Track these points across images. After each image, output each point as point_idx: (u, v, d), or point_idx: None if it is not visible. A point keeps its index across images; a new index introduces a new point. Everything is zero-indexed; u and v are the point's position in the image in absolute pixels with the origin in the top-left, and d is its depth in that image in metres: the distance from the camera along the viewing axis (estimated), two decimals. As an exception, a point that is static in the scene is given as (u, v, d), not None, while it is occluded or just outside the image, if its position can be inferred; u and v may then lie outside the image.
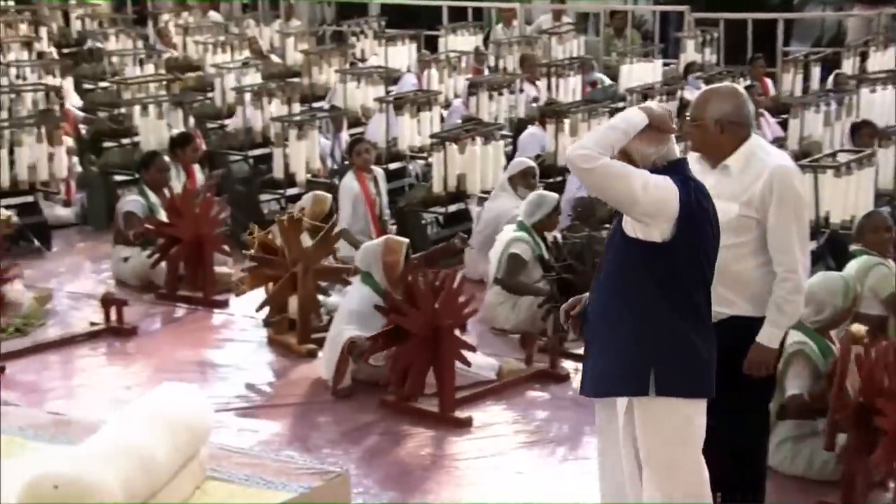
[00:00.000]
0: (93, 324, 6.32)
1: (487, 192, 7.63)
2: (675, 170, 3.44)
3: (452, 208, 7.77)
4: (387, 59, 11.40)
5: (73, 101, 10.10)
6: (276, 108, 8.89)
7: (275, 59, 12.17)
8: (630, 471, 3.54)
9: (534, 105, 9.83)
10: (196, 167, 7.98)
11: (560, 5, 13.69)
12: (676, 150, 3.51)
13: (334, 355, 5.43)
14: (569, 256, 5.96)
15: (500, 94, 9.34)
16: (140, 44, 11.86)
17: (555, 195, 6.63)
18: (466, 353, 5.24)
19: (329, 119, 8.95)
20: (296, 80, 10.51)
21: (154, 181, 7.27)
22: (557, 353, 5.70)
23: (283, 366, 5.90)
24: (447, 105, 10.08)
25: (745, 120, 3.79)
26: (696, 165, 3.76)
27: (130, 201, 7.29)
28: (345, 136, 9.18)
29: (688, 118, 3.90)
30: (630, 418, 3.49)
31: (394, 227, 7.59)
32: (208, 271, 6.78)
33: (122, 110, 9.25)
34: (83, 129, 9.47)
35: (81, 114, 9.92)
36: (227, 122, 9.71)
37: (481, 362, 5.56)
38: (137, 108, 8.71)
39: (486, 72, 11.10)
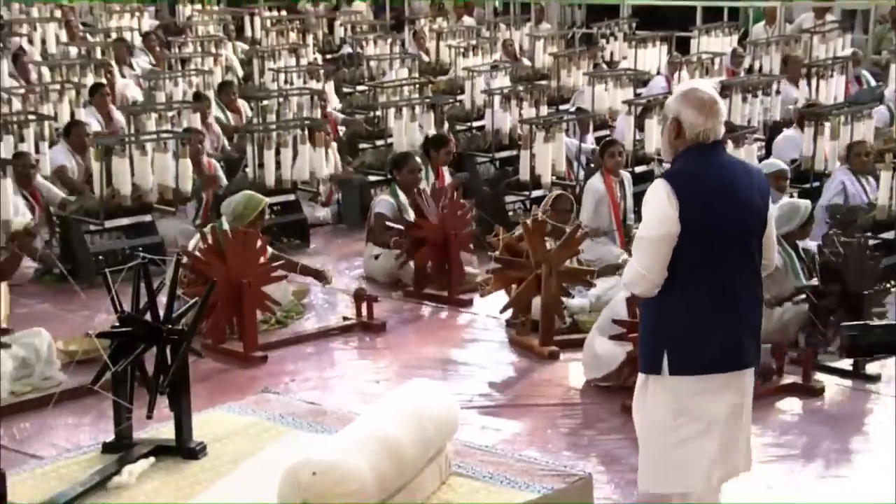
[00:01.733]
0: (345, 318, 6.60)
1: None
2: (708, 151, 3.64)
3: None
4: (636, 62, 11.27)
5: (334, 105, 10.58)
6: (524, 110, 8.98)
7: (525, 62, 12.30)
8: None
9: (790, 108, 9.44)
10: (445, 169, 8.17)
11: (825, 2, 13.07)
12: (722, 130, 3.68)
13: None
14: (826, 272, 5.69)
15: (755, 95, 9.03)
16: (396, 48, 12.28)
17: (807, 203, 6.31)
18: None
19: (576, 121, 8.95)
20: (544, 82, 10.57)
21: (406, 182, 7.49)
22: (811, 364, 5.44)
23: (525, 366, 5.95)
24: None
25: None
26: None
27: (381, 202, 7.55)
28: (591, 138, 9.15)
29: None
30: (643, 392, 3.73)
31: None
32: (454, 271, 6.93)
33: (378, 113, 9.62)
34: (341, 130, 9.92)
35: (341, 116, 10.38)
36: (475, 123, 9.92)
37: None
38: (392, 111, 9.02)
39: (742, 73, 10.77)
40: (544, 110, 9.13)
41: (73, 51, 11.23)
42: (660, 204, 3.58)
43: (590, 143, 9.05)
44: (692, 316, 3.61)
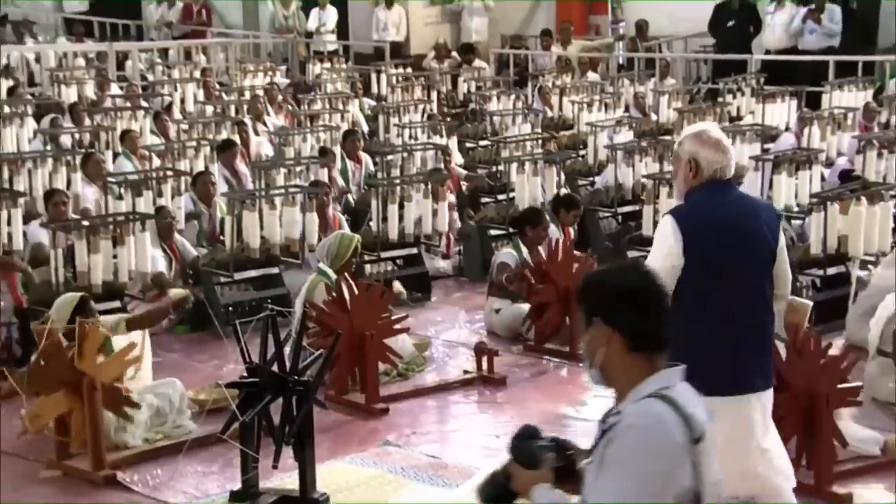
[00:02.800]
0: (466, 372, 6.62)
1: (871, 256, 7.17)
2: (719, 188, 3.89)
3: (831, 271, 7.38)
4: (764, 117, 11.09)
5: (457, 159, 10.72)
6: (647, 165, 8.92)
7: (652, 116, 12.25)
8: None
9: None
10: (571, 229, 8.17)
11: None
12: (733, 168, 3.95)
13: None
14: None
15: (892, 151, 8.79)
16: (519, 104, 12.39)
17: None
18: (844, 427, 4.94)
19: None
20: (668, 137, 10.49)
21: (533, 238, 7.50)
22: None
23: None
24: (829, 164, 9.63)
25: None
26: None
27: (505, 254, 7.59)
28: (717, 194, 9.02)
29: None
30: None
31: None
32: (574, 327, 6.90)
33: (500, 167, 9.68)
34: (463, 185, 10.03)
35: (463, 171, 10.50)
36: (596, 178, 9.90)
37: (862, 436, 5.21)
38: (514, 166, 9.09)
39: (876, 129, 10.50)
40: (668, 166, 9.05)
41: (209, 109, 11.68)
42: (664, 238, 3.86)
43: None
44: (694, 342, 3.65)
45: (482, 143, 11.51)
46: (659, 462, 2.37)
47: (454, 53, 16.24)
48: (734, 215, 3.91)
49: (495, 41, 17.19)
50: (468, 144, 11.68)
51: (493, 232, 8.78)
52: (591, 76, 14.54)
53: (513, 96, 12.79)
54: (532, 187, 8.82)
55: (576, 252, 7.28)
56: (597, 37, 17.06)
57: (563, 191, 8.88)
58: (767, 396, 3.91)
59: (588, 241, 8.64)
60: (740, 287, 3.85)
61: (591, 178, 10.00)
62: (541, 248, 7.40)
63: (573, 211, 8.11)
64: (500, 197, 9.35)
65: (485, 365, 6.52)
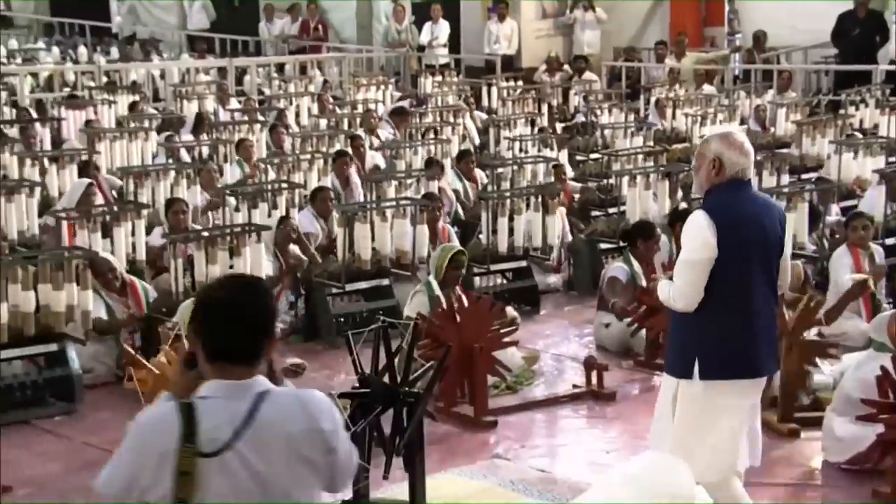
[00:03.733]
0: (575, 386, 6.58)
1: None
2: (740, 187, 4.27)
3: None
4: (889, 129, 10.76)
5: (568, 172, 10.68)
6: (764, 178, 8.74)
7: (770, 129, 12.01)
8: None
9: None
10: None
11: None
12: (751, 172, 4.31)
13: None
14: None
15: None
16: (630, 117, 12.28)
17: None
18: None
19: (818, 191, 8.62)
20: (785, 150, 10.26)
21: (644, 252, 7.43)
22: None
23: (763, 443, 5.72)
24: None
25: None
26: None
27: (615, 268, 7.52)
28: (835, 209, 8.79)
29: None
30: (672, 394, 4.28)
31: (888, 306, 7.11)
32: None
33: (611, 181, 9.61)
34: (574, 198, 9.97)
35: (575, 184, 10.45)
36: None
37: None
38: (625, 179, 8.99)
39: None
40: (785, 179, 8.85)
41: (323, 123, 11.90)
42: (699, 232, 4.19)
43: (834, 213, 8.69)
44: (721, 328, 4.18)
45: (593, 156, 11.45)
46: (137, 448, 2.51)
47: (566, 66, 16.20)
48: (754, 213, 4.28)
49: (607, 53, 17.07)
50: (578, 157, 11.63)
51: (603, 246, 8.71)
52: (707, 88, 14.32)
53: (624, 109, 12.68)
54: (644, 201, 8.73)
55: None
56: (712, 48, 16.79)
57: (682, 205, 8.74)
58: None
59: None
60: (759, 278, 4.23)
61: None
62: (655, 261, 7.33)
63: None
64: (611, 210, 9.28)
65: (594, 379, 6.47)
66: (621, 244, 7.99)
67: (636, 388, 6.67)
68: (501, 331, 6.32)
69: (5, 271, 6.14)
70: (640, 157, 9.79)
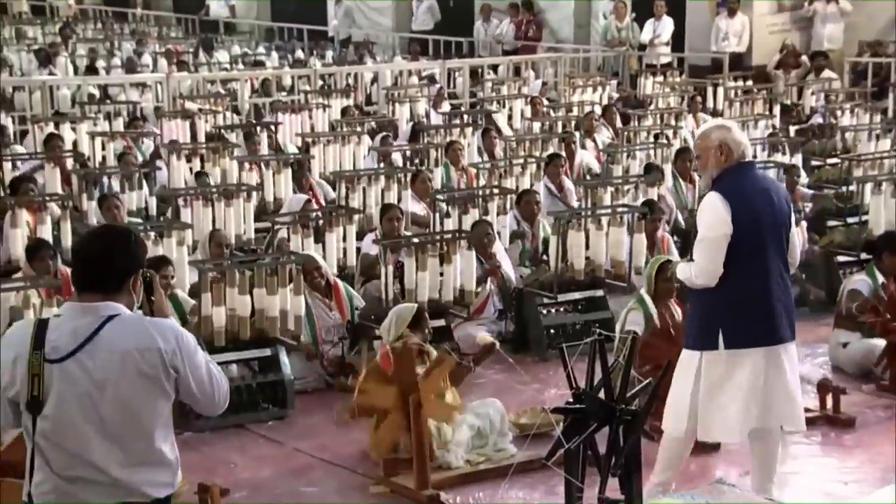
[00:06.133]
0: (808, 410, 6.31)
1: None
2: (747, 168, 4.90)
3: None
4: None
5: (802, 178, 10.28)
6: None
7: None
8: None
9: None
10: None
11: None
12: (751, 151, 4.88)
13: None
14: None
15: None
16: (877, 118, 11.71)
17: None
18: None
19: None
20: None
21: (890, 265, 7.05)
22: None
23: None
24: None
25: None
26: None
27: (857, 281, 7.20)
28: None
29: None
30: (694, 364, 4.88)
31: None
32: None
33: (851, 188, 9.19)
34: (808, 207, 9.59)
35: (809, 191, 10.06)
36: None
37: None
38: (868, 186, 8.58)
39: None
40: None
41: (537, 126, 11.95)
42: (715, 211, 4.73)
43: None
44: (741, 300, 4.74)
45: (830, 160, 10.98)
46: (4, 351, 3.24)
47: (803, 58, 15.59)
48: (763, 190, 4.83)
49: (850, 48, 16.31)
50: (814, 162, 11.19)
51: (840, 258, 8.34)
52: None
53: (869, 109, 12.11)
54: (889, 210, 8.30)
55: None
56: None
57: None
58: (793, 347, 4.94)
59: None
60: (772, 252, 4.77)
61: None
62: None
63: None
64: (850, 220, 8.87)
65: (829, 403, 6.20)
66: (863, 257, 7.62)
67: (879, 414, 6.36)
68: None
69: (226, 276, 6.46)
70: (888, 161, 9.32)
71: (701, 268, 4.77)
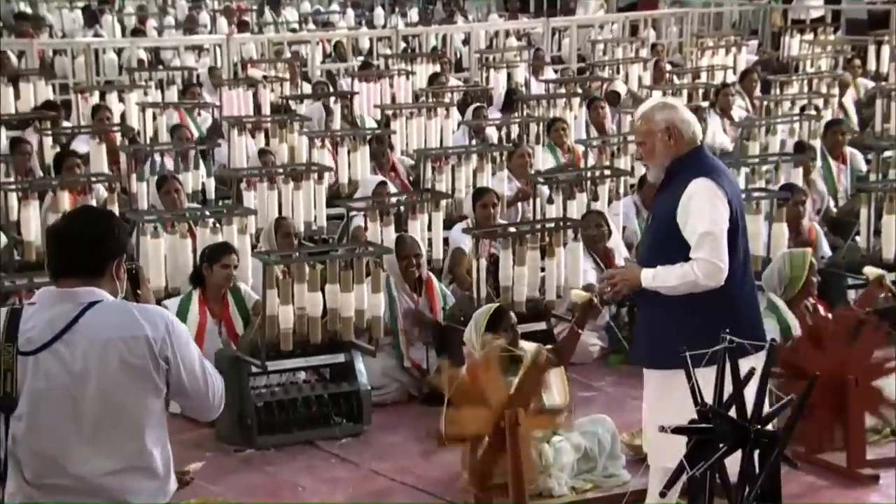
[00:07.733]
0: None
1: None
2: (704, 152, 4.89)
3: None
4: None
5: None
6: None
7: None
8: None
9: None
10: None
11: None
12: (700, 134, 4.91)
13: None
14: None
15: None
16: None
17: None
18: None
19: None
20: None
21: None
22: None
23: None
24: None
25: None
26: None
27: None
28: None
29: None
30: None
31: None
32: None
33: None
34: None
35: None
36: None
37: None
38: None
39: None
40: None
41: (658, 95, 11.87)
42: (716, 198, 4.71)
43: None
44: (742, 301, 4.81)
45: None
46: None
47: None
48: (728, 173, 4.94)
49: None
50: None
51: None
52: None
53: None
54: None
55: None
56: None
57: None
58: None
59: None
60: (745, 244, 4.85)
61: None
62: None
63: None
64: None
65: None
66: None
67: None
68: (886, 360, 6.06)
69: (294, 270, 6.46)
70: None
71: (714, 267, 4.69)
